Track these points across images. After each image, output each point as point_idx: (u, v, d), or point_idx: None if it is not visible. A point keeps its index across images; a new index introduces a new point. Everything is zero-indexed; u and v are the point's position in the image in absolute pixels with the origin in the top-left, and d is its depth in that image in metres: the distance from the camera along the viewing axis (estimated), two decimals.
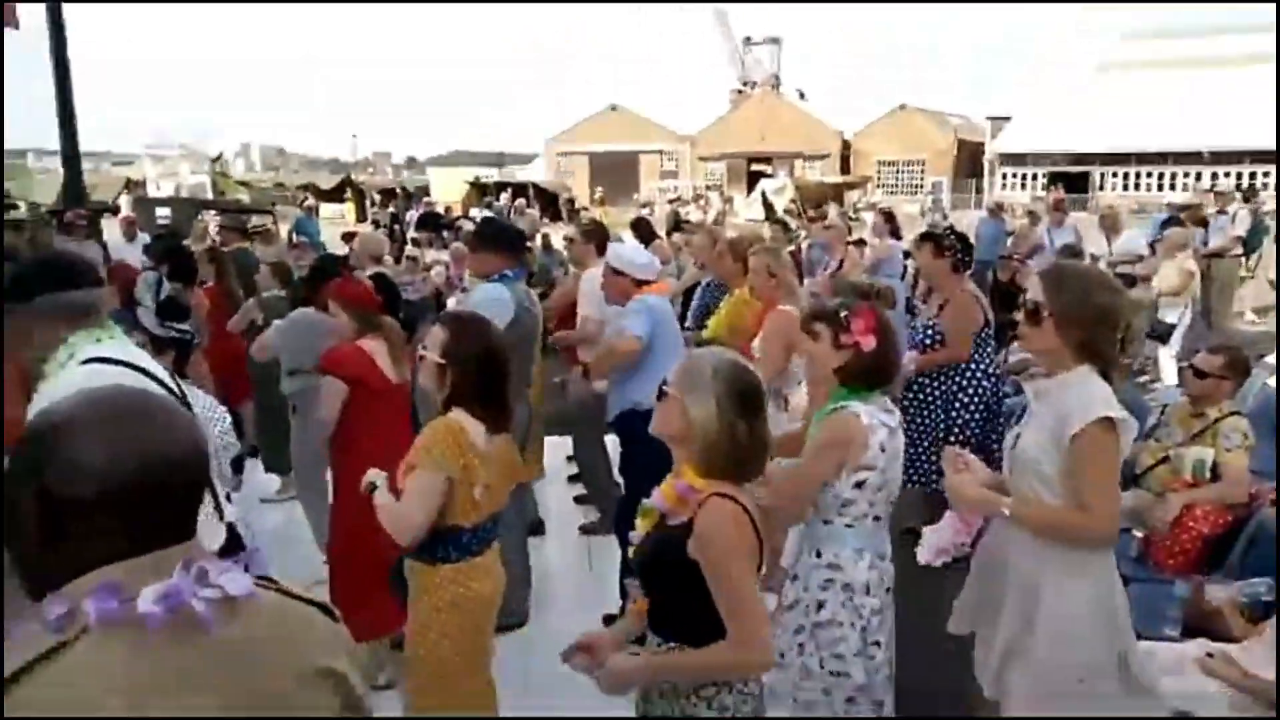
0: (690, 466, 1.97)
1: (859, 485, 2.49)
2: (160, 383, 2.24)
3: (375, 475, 2.59)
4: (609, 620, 4.15)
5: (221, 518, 2.35)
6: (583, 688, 3.27)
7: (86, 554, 0.99)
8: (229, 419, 3.19)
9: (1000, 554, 2.46)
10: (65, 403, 1.07)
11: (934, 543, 2.25)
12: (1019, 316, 2.43)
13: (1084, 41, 45.11)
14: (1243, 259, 11.44)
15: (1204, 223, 11.02)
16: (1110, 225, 10.36)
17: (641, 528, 2.06)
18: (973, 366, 4.75)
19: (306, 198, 22.62)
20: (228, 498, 2.67)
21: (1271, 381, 5.82)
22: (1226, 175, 29.61)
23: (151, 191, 31.35)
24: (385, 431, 3.42)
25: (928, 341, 4.82)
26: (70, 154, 9.17)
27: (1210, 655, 2.82)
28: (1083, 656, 2.27)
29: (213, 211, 14.57)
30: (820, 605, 2.50)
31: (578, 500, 5.71)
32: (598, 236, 5.30)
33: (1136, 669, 2.33)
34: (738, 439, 1.92)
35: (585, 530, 5.23)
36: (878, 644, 2.51)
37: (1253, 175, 34.14)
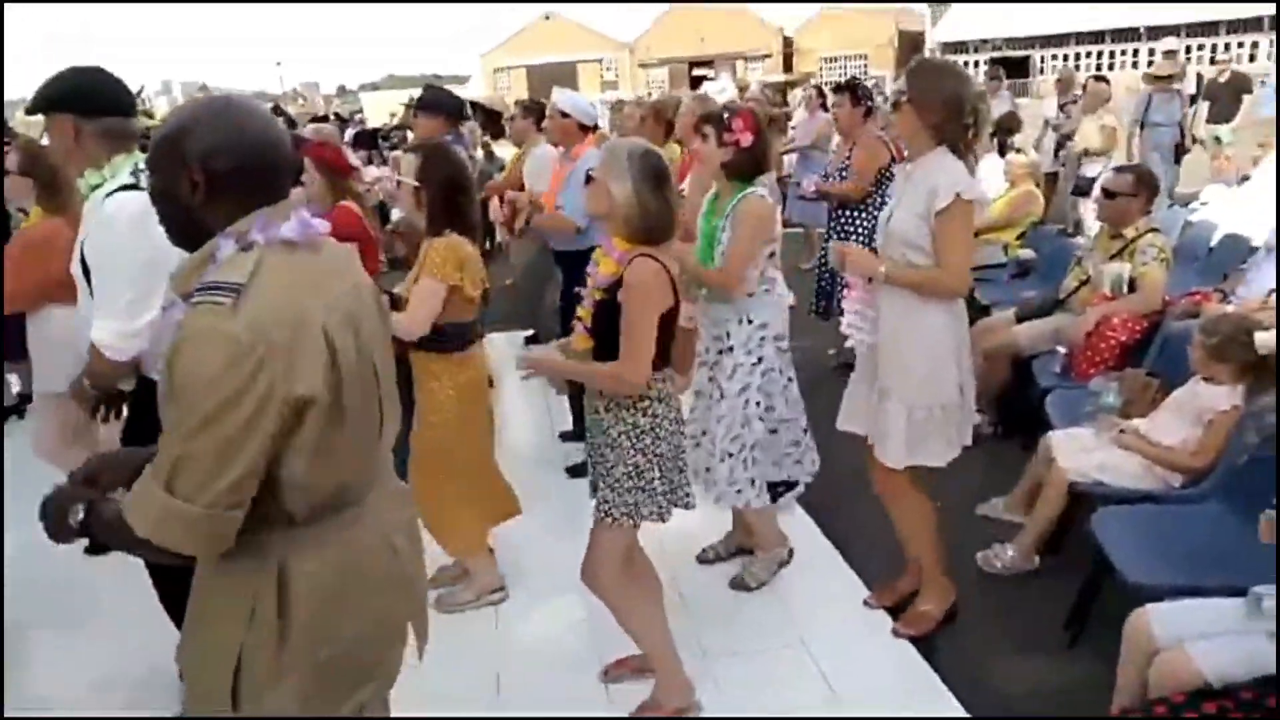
0: (617, 238, 2.35)
1: (770, 255, 3.01)
2: None
3: None
4: (565, 436, 4.64)
5: None
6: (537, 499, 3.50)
7: (235, 208, 1.37)
8: None
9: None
10: (189, 106, 1.41)
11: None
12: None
13: None
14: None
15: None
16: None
17: (587, 299, 2.42)
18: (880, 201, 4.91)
19: None
20: None
21: (1193, 219, 6.07)
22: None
23: None
24: None
25: (840, 179, 5.22)
26: None
27: (1122, 431, 3.06)
28: (942, 389, 2.67)
29: None
30: (760, 359, 3.03)
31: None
32: (535, 111, 5.33)
33: (969, 402, 2.78)
34: (650, 208, 2.30)
35: None
36: (791, 379, 3.14)
37: (1187, 49, 34.42)
